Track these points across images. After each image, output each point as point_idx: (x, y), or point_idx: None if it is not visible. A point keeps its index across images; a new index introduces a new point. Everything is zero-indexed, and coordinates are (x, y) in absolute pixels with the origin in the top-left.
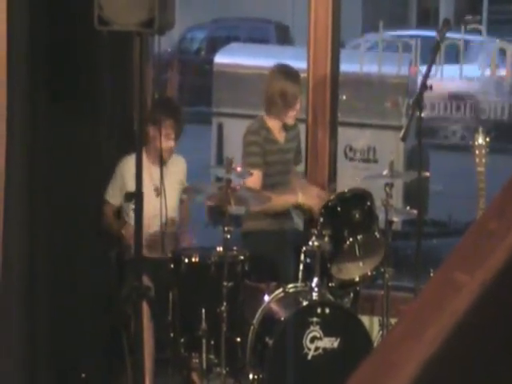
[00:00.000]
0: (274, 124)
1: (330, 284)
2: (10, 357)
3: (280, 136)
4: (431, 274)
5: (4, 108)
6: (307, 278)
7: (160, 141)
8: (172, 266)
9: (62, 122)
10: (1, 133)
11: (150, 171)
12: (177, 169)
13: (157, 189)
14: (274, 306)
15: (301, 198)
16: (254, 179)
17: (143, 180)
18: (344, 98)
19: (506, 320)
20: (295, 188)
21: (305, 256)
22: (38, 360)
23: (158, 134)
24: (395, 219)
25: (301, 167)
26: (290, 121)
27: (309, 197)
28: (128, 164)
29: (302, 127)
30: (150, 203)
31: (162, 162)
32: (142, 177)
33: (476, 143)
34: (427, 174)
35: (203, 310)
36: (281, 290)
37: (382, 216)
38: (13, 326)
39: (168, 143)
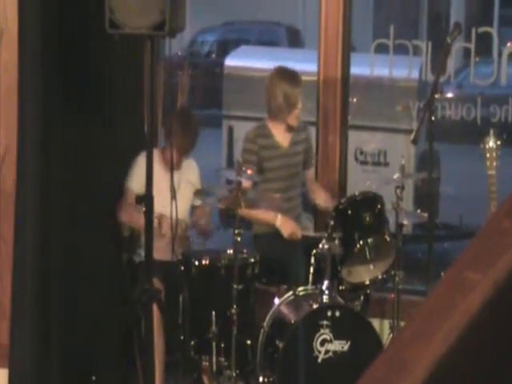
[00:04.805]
0: (277, 128)
1: (340, 287)
2: (23, 358)
3: (284, 140)
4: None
5: (16, 109)
6: (317, 280)
7: (170, 152)
8: (182, 268)
9: (75, 123)
10: (13, 133)
11: (167, 173)
12: (190, 172)
13: (172, 190)
14: (285, 309)
15: (278, 223)
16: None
17: (160, 181)
18: (354, 100)
19: None
20: (275, 211)
21: (315, 259)
22: (50, 362)
23: (168, 145)
24: (406, 222)
25: (312, 170)
26: (293, 122)
27: (285, 225)
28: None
29: (311, 130)
30: (166, 204)
31: (172, 172)
32: (159, 177)
33: (487, 146)
34: (437, 176)
35: (213, 313)
36: (291, 292)
37: (392, 219)
38: (26, 326)
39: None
